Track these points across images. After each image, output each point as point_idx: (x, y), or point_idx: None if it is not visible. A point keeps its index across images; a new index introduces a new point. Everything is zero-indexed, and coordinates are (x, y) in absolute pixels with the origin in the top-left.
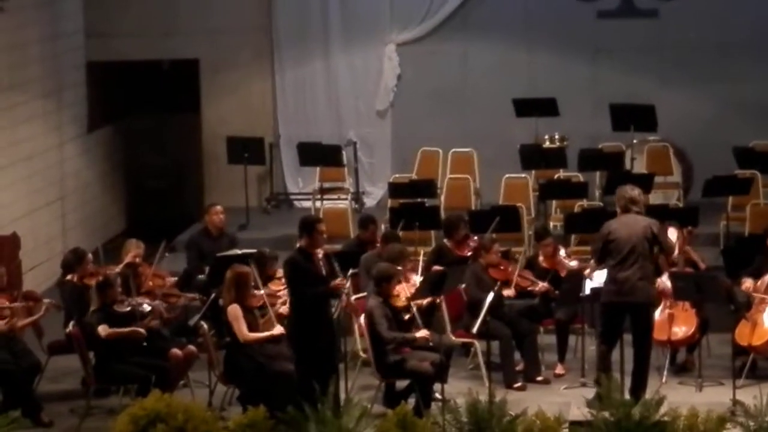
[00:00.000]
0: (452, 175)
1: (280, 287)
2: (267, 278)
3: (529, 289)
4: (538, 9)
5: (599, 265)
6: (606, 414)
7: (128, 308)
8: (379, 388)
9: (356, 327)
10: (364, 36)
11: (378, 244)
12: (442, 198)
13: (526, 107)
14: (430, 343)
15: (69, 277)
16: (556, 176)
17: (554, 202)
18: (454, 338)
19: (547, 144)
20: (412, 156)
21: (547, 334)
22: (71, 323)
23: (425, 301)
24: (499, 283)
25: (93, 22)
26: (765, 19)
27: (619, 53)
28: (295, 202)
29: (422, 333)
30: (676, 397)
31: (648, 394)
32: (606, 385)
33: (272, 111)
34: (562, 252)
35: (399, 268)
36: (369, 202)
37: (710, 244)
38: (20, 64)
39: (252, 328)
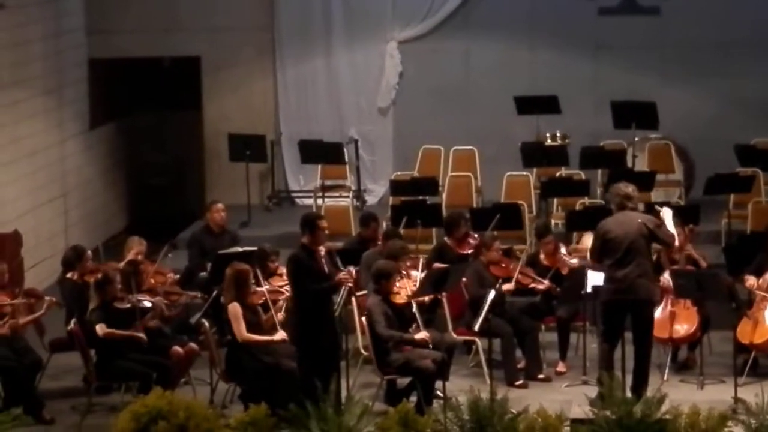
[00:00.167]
0: (454, 173)
1: (281, 283)
2: (268, 274)
3: (530, 286)
4: (539, 6)
5: (598, 264)
6: (607, 412)
7: (128, 305)
8: (380, 386)
9: (358, 324)
10: (366, 33)
11: (379, 242)
12: (444, 195)
13: (527, 105)
14: (429, 346)
15: (69, 274)
16: (557, 174)
17: (556, 200)
18: (455, 336)
19: (548, 142)
20: (414, 153)
21: (548, 332)
22: (72, 320)
23: (427, 299)
24: (500, 280)
25: (95, 19)
26: (766, 16)
27: (621, 51)
28: (297, 200)
29: (421, 335)
30: (678, 395)
31: (649, 392)
32: (608, 384)
33: (274, 108)
34: (563, 250)
35: (399, 263)
36: (370, 199)
37: (712, 242)
38: (22, 62)
39: (253, 326)
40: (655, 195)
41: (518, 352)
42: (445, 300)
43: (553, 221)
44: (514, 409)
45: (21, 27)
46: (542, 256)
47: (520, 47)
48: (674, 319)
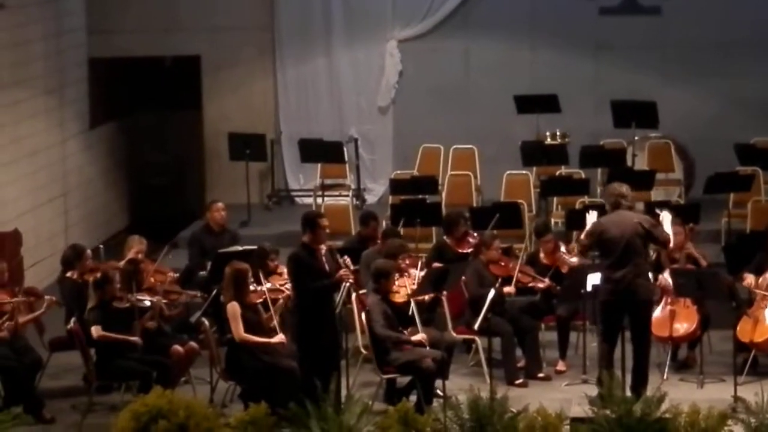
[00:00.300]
0: (453, 172)
1: (281, 282)
2: (268, 273)
3: (530, 285)
4: (540, 6)
5: (582, 256)
6: (607, 411)
7: (127, 305)
8: (380, 385)
9: (358, 323)
10: (366, 33)
11: (379, 241)
12: (444, 195)
13: (527, 104)
14: (426, 348)
15: (69, 273)
16: (557, 173)
17: (555, 199)
18: (455, 335)
19: (548, 141)
20: (414, 153)
21: (548, 331)
22: (72, 320)
23: (427, 297)
24: (500, 279)
25: (95, 18)
26: (766, 16)
27: (621, 50)
28: (297, 199)
29: (418, 337)
30: (678, 393)
31: (649, 391)
32: (608, 383)
33: (274, 108)
34: (563, 248)
35: (398, 261)
36: (370, 198)
37: (712, 241)
38: (23, 61)
39: (253, 325)
40: (655, 194)
41: (518, 351)
42: (444, 299)
43: (552, 220)
44: (513, 408)
45: (21, 27)
46: (542, 255)
47: (520, 47)
48: (674, 317)
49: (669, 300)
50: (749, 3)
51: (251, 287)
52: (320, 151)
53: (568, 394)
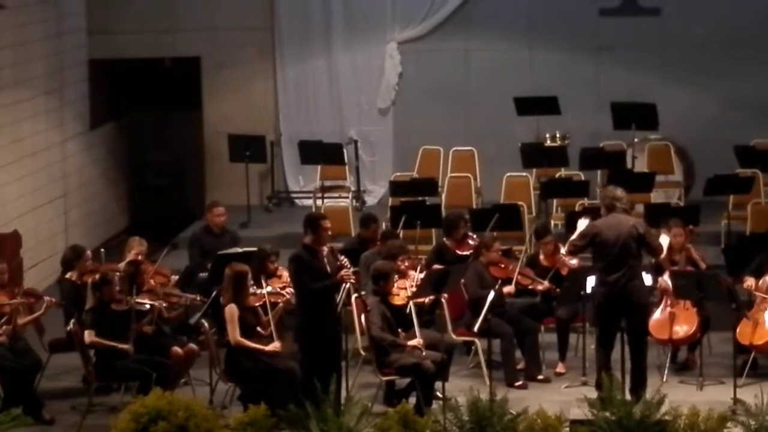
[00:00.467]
0: (453, 174)
1: (280, 284)
2: (268, 274)
3: (530, 287)
4: (540, 7)
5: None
6: (607, 413)
7: (125, 308)
8: (380, 387)
9: (357, 325)
10: (366, 34)
11: (378, 243)
12: (443, 196)
13: (527, 105)
14: (423, 353)
15: (69, 274)
16: (557, 175)
17: (555, 201)
18: (455, 336)
19: (548, 142)
20: (414, 154)
21: (548, 333)
22: (72, 321)
23: (427, 300)
24: (500, 281)
25: (96, 19)
26: (766, 17)
27: (621, 51)
28: (297, 200)
29: (414, 341)
30: (677, 395)
31: (649, 393)
32: (607, 385)
33: (274, 109)
34: (563, 250)
35: (397, 263)
36: (370, 200)
37: (711, 243)
38: (23, 62)
39: (251, 327)
40: (655, 196)
41: (518, 353)
42: (444, 301)
43: (552, 222)
44: (513, 409)
45: (22, 27)
46: (542, 257)
47: (520, 48)
48: (674, 320)
49: (669, 302)
50: (749, 4)
51: (251, 290)
52: (320, 153)
53: (567, 396)
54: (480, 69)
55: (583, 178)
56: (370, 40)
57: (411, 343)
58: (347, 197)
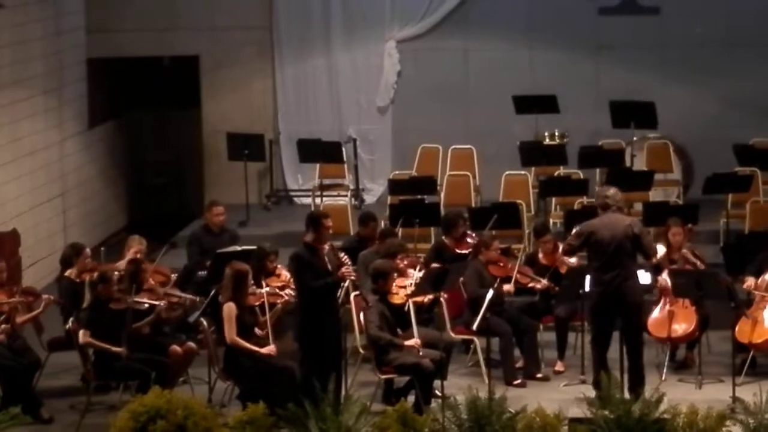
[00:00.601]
0: (452, 172)
1: (279, 283)
2: (267, 273)
3: (529, 286)
4: (539, 6)
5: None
6: (606, 411)
7: (123, 306)
8: (378, 385)
9: (356, 323)
10: (365, 33)
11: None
12: (442, 195)
13: (525, 104)
14: (420, 353)
15: (68, 272)
16: (556, 173)
17: (554, 199)
18: (453, 335)
19: (547, 141)
20: (412, 153)
21: (546, 331)
22: (70, 320)
23: (426, 299)
24: (498, 280)
25: (94, 18)
26: (766, 16)
27: (621, 50)
28: (295, 199)
29: (411, 342)
30: (676, 394)
31: (647, 392)
32: (606, 383)
33: (272, 107)
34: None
35: (396, 261)
36: (369, 198)
37: (710, 242)
38: (22, 61)
39: (249, 327)
40: (654, 194)
41: (516, 352)
42: (443, 299)
43: (551, 220)
44: (512, 408)
45: (21, 26)
46: (541, 256)
47: (519, 47)
48: (673, 318)
49: (668, 300)
50: (748, 3)
51: (251, 289)
52: (319, 151)
53: (566, 395)
54: (479, 68)
55: (582, 176)
56: (369, 39)
57: (408, 343)
58: (346, 196)
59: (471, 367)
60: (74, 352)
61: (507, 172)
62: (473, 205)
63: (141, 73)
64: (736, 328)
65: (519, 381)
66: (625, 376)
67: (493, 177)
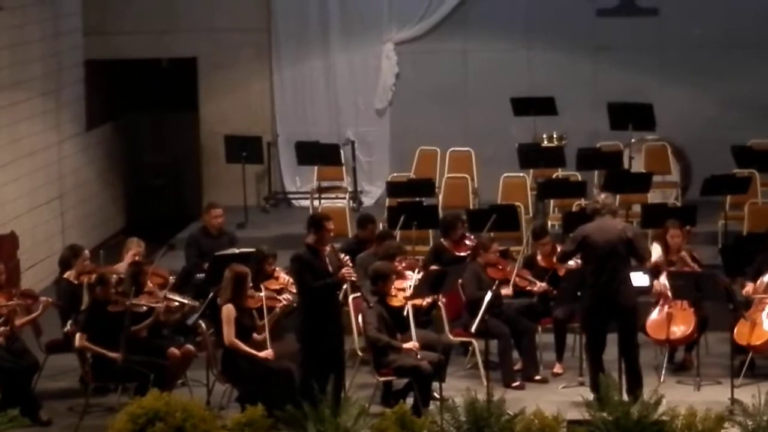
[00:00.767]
0: (450, 174)
1: (277, 286)
2: (265, 276)
3: (527, 288)
4: (537, 7)
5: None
6: (604, 413)
7: (122, 309)
8: (377, 387)
9: (354, 325)
10: (363, 35)
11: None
12: (441, 197)
13: (523, 106)
14: (418, 356)
15: (66, 274)
16: (554, 175)
17: (552, 201)
18: (452, 337)
19: (545, 143)
20: (411, 155)
21: (545, 333)
22: (69, 322)
23: (425, 302)
24: (497, 282)
25: (92, 20)
26: (764, 17)
27: (619, 52)
28: (293, 201)
29: (409, 345)
30: (675, 396)
31: (646, 394)
32: (604, 386)
33: (270, 110)
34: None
35: (394, 264)
36: (367, 201)
37: (709, 243)
38: (20, 63)
39: (247, 329)
40: (652, 196)
41: (515, 354)
42: (441, 302)
43: (549, 222)
44: (510, 410)
45: (19, 28)
46: (539, 258)
47: (517, 48)
48: (671, 320)
49: (666, 302)
50: (746, 4)
51: (249, 293)
52: (317, 154)
53: (565, 397)
54: (477, 69)
55: (580, 178)
56: (367, 41)
57: (406, 346)
58: (344, 198)
59: (469, 369)
60: (73, 355)
61: (505, 174)
62: (471, 207)
63: (139, 75)
64: (735, 330)
65: (517, 383)
66: (623, 378)
67: (491, 179)
